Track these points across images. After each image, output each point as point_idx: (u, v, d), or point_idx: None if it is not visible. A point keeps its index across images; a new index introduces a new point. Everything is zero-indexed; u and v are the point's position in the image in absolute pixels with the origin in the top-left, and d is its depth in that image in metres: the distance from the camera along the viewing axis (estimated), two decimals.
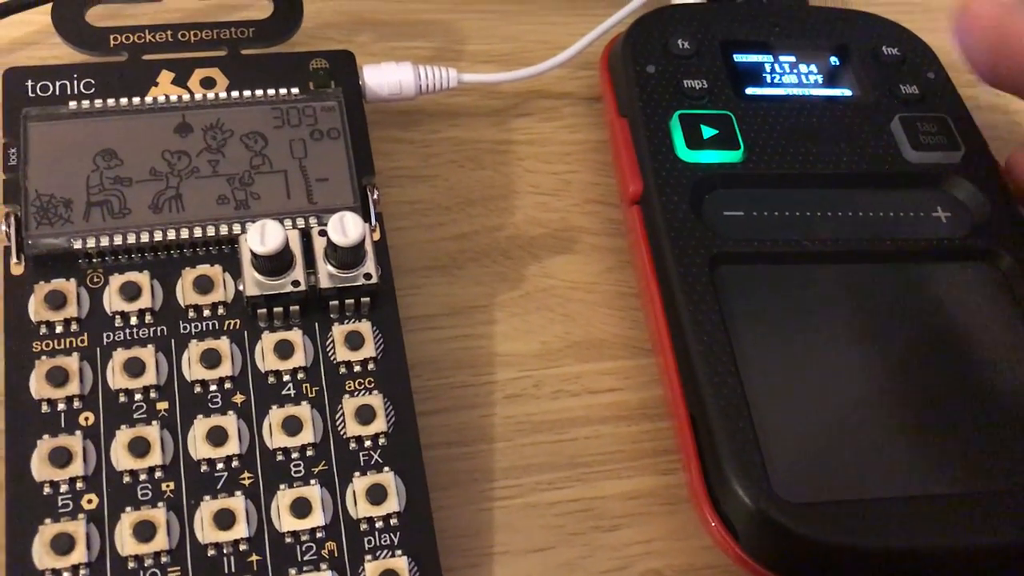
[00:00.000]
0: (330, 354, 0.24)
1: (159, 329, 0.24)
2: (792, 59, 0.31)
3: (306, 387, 0.24)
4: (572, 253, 0.30)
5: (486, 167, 0.32)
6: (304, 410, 0.24)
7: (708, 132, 0.28)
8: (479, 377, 0.27)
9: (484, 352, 0.28)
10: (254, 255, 0.23)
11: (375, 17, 0.34)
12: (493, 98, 0.33)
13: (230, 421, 0.23)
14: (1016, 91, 0.26)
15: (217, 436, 0.23)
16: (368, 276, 0.24)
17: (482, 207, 0.31)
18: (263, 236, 0.23)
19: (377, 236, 0.26)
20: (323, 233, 0.24)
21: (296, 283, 0.24)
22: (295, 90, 0.27)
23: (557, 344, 0.28)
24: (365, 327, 0.25)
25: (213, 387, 0.24)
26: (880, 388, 0.25)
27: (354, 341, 0.24)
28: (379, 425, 0.24)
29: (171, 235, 0.24)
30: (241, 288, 0.24)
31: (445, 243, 0.30)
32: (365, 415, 0.24)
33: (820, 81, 0.30)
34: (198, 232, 0.24)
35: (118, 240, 0.24)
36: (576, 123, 0.33)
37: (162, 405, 0.23)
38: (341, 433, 0.24)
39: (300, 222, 0.25)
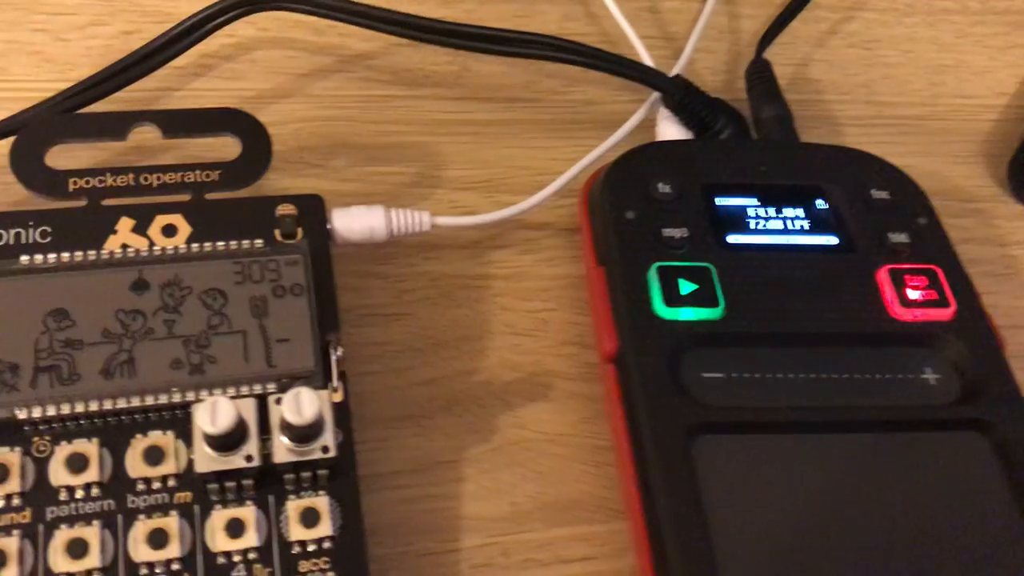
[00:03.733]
0: (284, 532, 0.23)
1: (106, 504, 0.23)
2: (777, 203, 0.30)
3: (257, 570, 0.23)
4: (547, 401, 0.29)
5: (460, 304, 0.31)
6: None
7: (687, 287, 0.27)
8: (443, 544, 0.26)
9: (450, 515, 0.27)
10: (205, 433, 0.22)
11: (352, 139, 0.34)
12: (470, 229, 0.32)
13: None
14: None
15: None
16: (326, 449, 0.23)
17: (454, 349, 0.30)
18: (214, 416, 0.22)
19: (339, 398, 0.25)
20: (280, 402, 0.23)
21: (249, 458, 0.23)
22: (259, 242, 0.26)
23: (528, 505, 0.27)
24: (321, 502, 0.23)
25: (159, 570, 0.22)
26: (864, 565, 0.24)
27: (309, 518, 0.23)
28: None
29: (121, 404, 0.23)
30: (193, 458, 0.23)
31: (414, 389, 0.29)
32: None
33: (806, 227, 0.29)
34: (150, 401, 0.23)
35: (65, 410, 0.23)
36: (555, 256, 0.32)
37: None
38: None
39: (257, 388, 0.24)
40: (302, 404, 0.22)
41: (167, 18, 0.35)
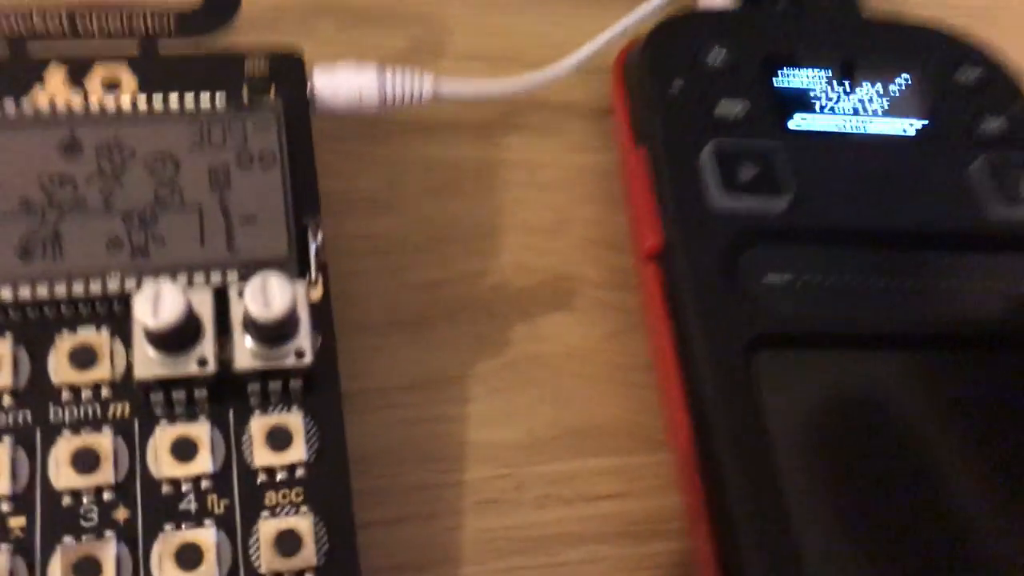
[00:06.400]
0: (246, 456, 0.19)
1: (20, 415, 0.18)
2: (848, 82, 0.25)
3: (212, 501, 0.18)
4: (569, 310, 0.24)
5: (467, 195, 0.26)
6: (207, 535, 0.18)
7: (747, 172, 0.22)
8: (446, 475, 0.21)
9: (453, 441, 0.22)
10: (146, 328, 0.17)
11: (338, 1, 0.28)
12: (479, 106, 0.27)
13: (107, 548, 0.17)
14: None
15: (87, 569, 0.17)
16: (300, 354, 0.18)
17: (460, 247, 0.25)
18: (156, 306, 0.17)
19: (318, 294, 0.20)
20: (243, 293, 0.19)
21: (203, 362, 0.18)
22: (220, 100, 0.21)
23: (546, 432, 0.22)
24: (294, 420, 0.19)
25: (87, 499, 0.18)
26: (956, 512, 0.20)
27: (279, 440, 0.19)
28: (306, 557, 0.18)
29: (42, 292, 0.18)
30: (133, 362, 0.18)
31: (413, 292, 0.24)
32: (288, 544, 0.18)
33: (881, 111, 0.25)
34: (79, 288, 0.18)
35: None
36: (580, 142, 0.27)
37: (16, 523, 0.17)
38: (256, 567, 0.18)
39: (215, 276, 0.19)
40: (270, 294, 0.18)
41: None
